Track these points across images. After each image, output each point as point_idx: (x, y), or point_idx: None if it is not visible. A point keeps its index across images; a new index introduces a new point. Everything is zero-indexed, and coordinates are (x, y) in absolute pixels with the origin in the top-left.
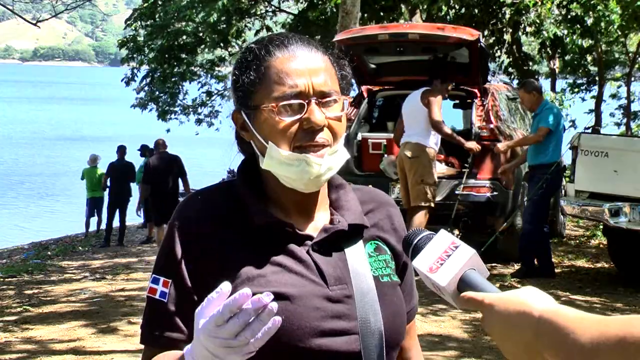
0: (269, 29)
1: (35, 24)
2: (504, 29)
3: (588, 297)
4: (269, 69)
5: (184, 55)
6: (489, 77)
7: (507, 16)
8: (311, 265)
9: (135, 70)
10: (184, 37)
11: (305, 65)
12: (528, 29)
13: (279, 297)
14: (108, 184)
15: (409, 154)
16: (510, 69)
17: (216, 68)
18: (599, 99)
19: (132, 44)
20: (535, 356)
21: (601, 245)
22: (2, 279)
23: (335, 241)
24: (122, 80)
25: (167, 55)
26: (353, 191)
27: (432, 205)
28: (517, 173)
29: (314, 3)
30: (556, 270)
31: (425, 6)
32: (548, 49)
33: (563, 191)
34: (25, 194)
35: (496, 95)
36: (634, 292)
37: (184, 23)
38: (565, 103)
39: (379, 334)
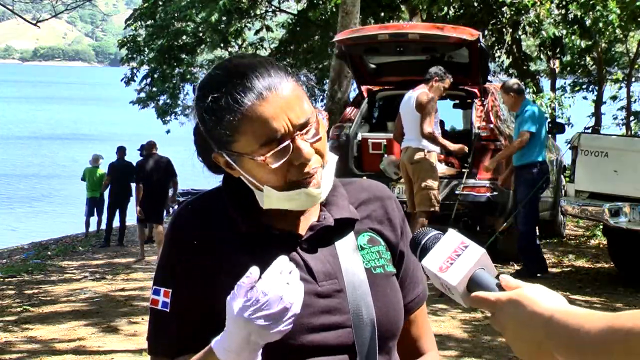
0: (269, 28)
1: (35, 24)
2: (504, 29)
3: (588, 297)
4: (242, 120)
5: (184, 56)
6: (489, 77)
7: (507, 16)
8: (300, 264)
9: (135, 70)
10: (184, 37)
11: (277, 105)
12: (527, 29)
13: None
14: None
15: (410, 159)
16: (510, 69)
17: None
18: (598, 99)
19: (132, 44)
20: (546, 356)
21: (601, 245)
22: (2, 279)
23: (325, 237)
24: (121, 80)
25: (167, 56)
26: (343, 186)
27: (437, 209)
28: None
29: (313, 3)
30: (556, 270)
31: (425, 6)
32: (548, 49)
33: (563, 191)
34: (19, 195)
35: (496, 95)
36: (634, 292)
37: (184, 23)
38: (565, 102)
39: (371, 325)
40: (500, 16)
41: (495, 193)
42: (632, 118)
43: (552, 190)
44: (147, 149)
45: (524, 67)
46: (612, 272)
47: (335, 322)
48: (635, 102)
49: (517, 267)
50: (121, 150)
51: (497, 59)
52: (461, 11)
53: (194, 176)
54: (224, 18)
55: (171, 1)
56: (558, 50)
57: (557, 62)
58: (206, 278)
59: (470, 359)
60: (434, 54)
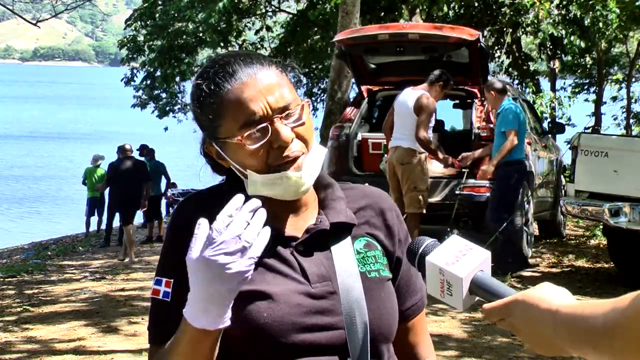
0: (269, 28)
1: (35, 24)
2: (504, 29)
3: (588, 297)
4: (223, 104)
5: (184, 55)
6: (489, 77)
7: (507, 16)
8: (294, 265)
9: (134, 71)
10: (184, 37)
11: (257, 89)
12: (527, 29)
13: (261, 295)
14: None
15: (400, 160)
16: (509, 69)
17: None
18: (598, 99)
19: (132, 44)
20: (559, 350)
21: (601, 245)
22: (2, 279)
23: (321, 240)
24: (121, 80)
25: (167, 56)
26: (342, 190)
27: (424, 211)
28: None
29: (313, 3)
30: (556, 270)
31: (425, 6)
32: (547, 49)
33: (563, 191)
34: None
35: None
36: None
37: (184, 23)
38: (564, 102)
39: (364, 328)
40: (500, 16)
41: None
42: (632, 119)
43: (552, 190)
44: (122, 152)
45: (524, 67)
46: (612, 272)
47: (328, 323)
48: (635, 102)
49: None
50: (123, 151)
51: (497, 59)
52: (461, 11)
53: (191, 176)
54: (224, 18)
55: (171, 1)
56: (558, 50)
57: (557, 62)
58: None
59: (470, 359)
60: (433, 54)
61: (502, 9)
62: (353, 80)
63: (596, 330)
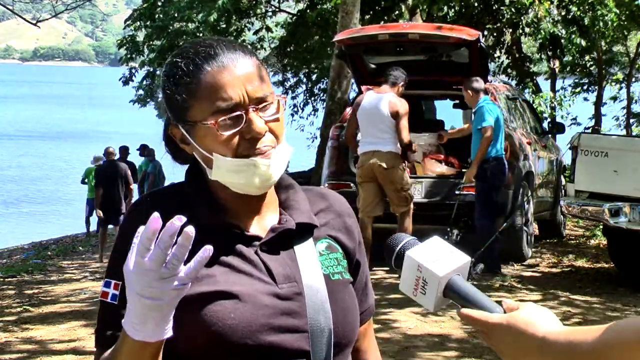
0: (268, 29)
1: (35, 24)
2: (504, 29)
3: (588, 297)
4: (200, 85)
5: None
6: (489, 77)
7: (507, 16)
8: (259, 265)
9: (133, 70)
10: (184, 37)
11: (236, 75)
12: (527, 29)
13: (227, 296)
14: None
15: (384, 164)
16: (508, 69)
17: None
18: (598, 99)
19: (130, 44)
20: None
21: (601, 245)
22: (2, 279)
23: (285, 241)
24: (119, 80)
25: (167, 56)
26: (303, 191)
27: (411, 207)
28: (517, 172)
29: (313, 3)
30: (556, 270)
31: (425, 6)
32: (548, 49)
33: (563, 191)
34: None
35: (496, 95)
36: (634, 292)
37: (184, 23)
38: (564, 102)
39: (328, 332)
40: (499, 16)
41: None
42: (632, 119)
43: (552, 190)
44: (107, 155)
45: (524, 68)
46: (612, 272)
47: (294, 326)
48: (635, 102)
49: (516, 266)
50: (124, 150)
51: (496, 60)
52: (461, 11)
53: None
54: (223, 18)
55: (170, 2)
56: (558, 50)
57: (557, 62)
58: None
59: (470, 359)
60: (433, 54)
61: (502, 9)
62: (353, 80)
63: (587, 356)
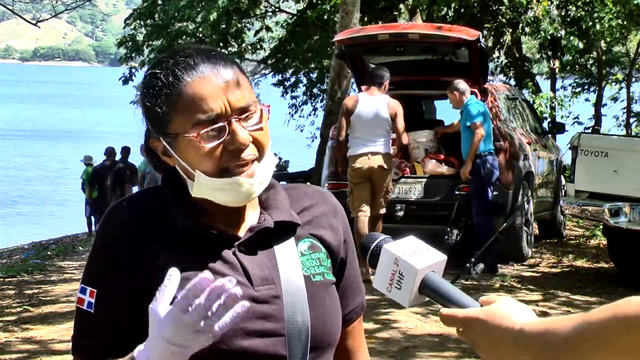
0: (268, 29)
1: (35, 24)
2: (504, 29)
3: (588, 297)
4: (180, 97)
5: None
6: (489, 77)
7: (506, 17)
8: (236, 266)
9: (133, 70)
10: (184, 37)
11: (217, 85)
12: (527, 29)
13: None
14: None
15: (385, 165)
16: (508, 69)
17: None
18: (598, 99)
19: (130, 43)
20: None
21: (601, 245)
22: (2, 279)
23: (265, 241)
24: (119, 79)
25: None
26: (285, 190)
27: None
28: (517, 172)
29: (312, 3)
30: (556, 270)
31: (425, 6)
32: (548, 49)
33: (563, 191)
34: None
35: (496, 95)
36: (634, 292)
37: (184, 23)
38: (565, 103)
39: (305, 335)
40: (499, 16)
41: (494, 193)
42: (632, 119)
43: (552, 190)
44: (108, 155)
45: (524, 68)
46: (612, 272)
47: (270, 330)
48: (635, 102)
49: (516, 266)
50: (125, 151)
51: (496, 60)
52: (461, 11)
53: None
54: (224, 18)
55: (170, 1)
56: (558, 50)
57: (557, 62)
58: (136, 277)
59: (470, 359)
60: (433, 54)
61: (501, 9)
62: (353, 80)
63: (561, 345)
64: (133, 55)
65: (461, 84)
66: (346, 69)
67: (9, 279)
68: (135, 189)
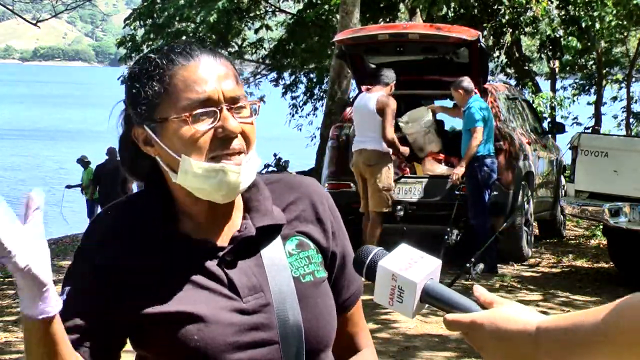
0: (268, 27)
1: (35, 24)
2: (504, 29)
3: (588, 297)
4: (174, 78)
5: None
6: (489, 77)
7: (506, 17)
8: (222, 279)
9: None
10: (184, 37)
11: (212, 72)
12: (527, 30)
13: (190, 316)
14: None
15: (367, 161)
16: (508, 69)
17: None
18: (598, 99)
19: (130, 43)
20: None
21: (601, 245)
22: (2, 279)
23: (249, 247)
24: (118, 79)
25: None
26: (268, 185)
27: (389, 210)
28: (517, 172)
29: (312, 3)
30: (556, 270)
31: (425, 6)
32: (547, 49)
33: (563, 191)
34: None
35: (495, 95)
36: (634, 292)
37: (184, 23)
38: (565, 103)
39: (299, 340)
40: (499, 16)
41: (495, 193)
42: (632, 119)
43: (551, 190)
44: (109, 154)
45: (524, 68)
46: (612, 272)
47: (263, 339)
48: (635, 102)
49: (516, 266)
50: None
51: (496, 59)
52: (461, 11)
53: None
54: (224, 19)
55: (169, 1)
56: (557, 50)
57: (557, 62)
58: (117, 292)
59: (470, 359)
60: (433, 54)
61: (501, 8)
62: (353, 80)
63: (589, 339)
64: (133, 55)
65: (465, 82)
66: (346, 69)
67: (10, 279)
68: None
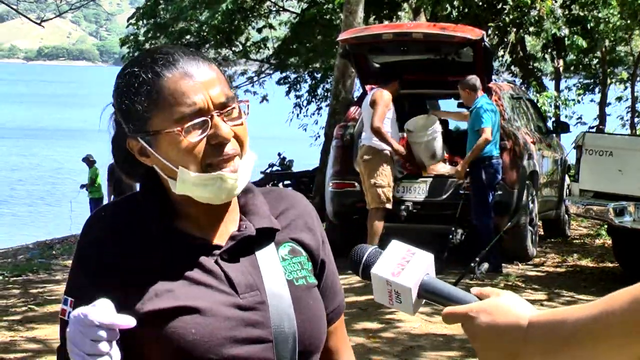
0: (272, 27)
1: (39, 24)
2: (508, 29)
3: (593, 296)
4: (161, 92)
5: None
6: (493, 76)
7: (511, 16)
8: (220, 275)
9: None
10: (188, 36)
11: (198, 80)
12: (531, 29)
13: (188, 310)
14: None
15: (361, 156)
16: (513, 68)
17: (220, 67)
18: (603, 99)
19: (133, 42)
20: None
21: (606, 245)
22: (7, 278)
23: (246, 248)
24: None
25: None
26: (262, 194)
27: (389, 207)
28: (522, 172)
29: (316, 1)
30: (561, 270)
31: (429, 6)
32: (552, 49)
33: (567, 190)
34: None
35: (500, 94)
36: None
37: (187, 23)
38: (569, 102)
39: (293, 340)
40: (503, 15)
41: (499, 192)
42: (636, 118)
43: (556, 189)
44: None
45: (529, 67)
46: (617, 271)
47: (257, 336)
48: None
49: (521, 265)
50: None
51: (500, 58)
52: (465, 10)
53: None
54: (228, 20)
55: (172, 1)
56: (561, 49)
57: (561, 61)
58: (115, 289)
59: (475, 359)
60: (437, 54)
61: (505, 7)
62: (357, 79)
63: (580, 335)
64: (135, 54)
65: (472, 80)
66: (350, 69)
67: (14, 278)
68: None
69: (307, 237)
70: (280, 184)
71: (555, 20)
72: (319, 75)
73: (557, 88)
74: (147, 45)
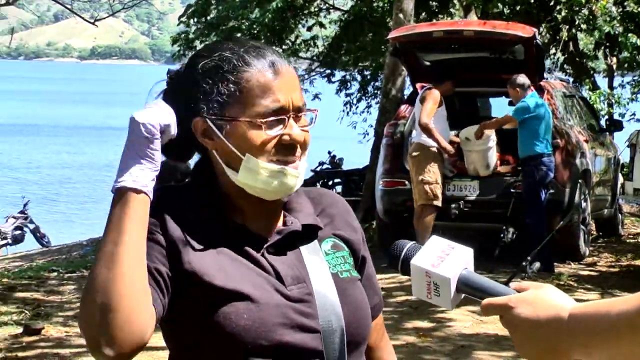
0: (322, 25)
1: (93, 23)
2: (560, 26)
3: None
4: (249, 82)
5: None
6: (545, 74)
7: (563, 13)
8: (267, 267)
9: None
10: (238, 34)
11: (285, 79)
12: (583, 27)
13: (239, 296)
14: None
15: (412, 153)
16: (565, 66)
17: None
18: None
19: (184, 40)
20: (561, 357)
21: None
22: (61, 274)
23: (291, 243)
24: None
25: None
26: (304, 193)
27: (437, 204)
28: (574, 170)
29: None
30: (614, 270)
31: (479, 4)
32: (605, 46)
33: (621, 189)
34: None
35: (552, 92)
36: None
37: (238, 21)
38: (622, 100)
39: (340, 331)
40: (555, 13)
41: (551, 191)
42: None
43: (609, 188)
44: None
45: (581, 64)
46: None
47: (306, 326)
48: None
49: (573, 265)
50: None
51: (552, 57)
52: (517, 8)
53: None
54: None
55: (224, 1)
56: (615, 47)
57: (614, 59)
58: (173, 261)
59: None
60: (489, 52)
61: (558, 6)
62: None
63: (620, 323)
64: (186, 52)
65: (520, 78)
66: (400, 67)
67: (69, 274)
68: None
69: (349, 233)
70: (330, 182)
71: (611, 19)
72: (368, 74)
73: (610, 86)
74: (197, 44)
